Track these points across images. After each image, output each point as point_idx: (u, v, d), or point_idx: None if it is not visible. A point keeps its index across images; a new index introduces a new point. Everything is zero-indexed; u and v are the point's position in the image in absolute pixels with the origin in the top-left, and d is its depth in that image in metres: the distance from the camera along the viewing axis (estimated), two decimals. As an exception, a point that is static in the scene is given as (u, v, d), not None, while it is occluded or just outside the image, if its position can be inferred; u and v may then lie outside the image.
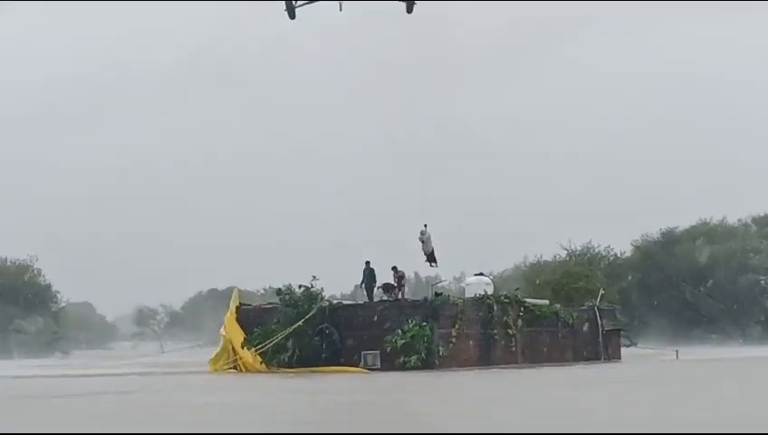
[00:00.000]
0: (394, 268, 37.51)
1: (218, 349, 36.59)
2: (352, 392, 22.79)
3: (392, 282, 37.12)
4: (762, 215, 78.86)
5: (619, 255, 76.82)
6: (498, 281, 47.18)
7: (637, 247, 78.27)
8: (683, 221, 79.58)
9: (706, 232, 76.70)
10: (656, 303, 75.09)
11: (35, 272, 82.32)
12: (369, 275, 37.12)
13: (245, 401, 20.15)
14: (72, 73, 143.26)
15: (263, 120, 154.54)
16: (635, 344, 46.12)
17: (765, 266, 77.02)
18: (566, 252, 66.35)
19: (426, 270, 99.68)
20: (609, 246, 74.15)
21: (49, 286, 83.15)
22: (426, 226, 38.78)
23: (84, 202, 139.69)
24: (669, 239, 77.35)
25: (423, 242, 38.76)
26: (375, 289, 37.15)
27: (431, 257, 39.13)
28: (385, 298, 36.46)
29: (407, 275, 39.21)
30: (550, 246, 73.54)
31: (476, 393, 21.96)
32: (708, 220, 78.52)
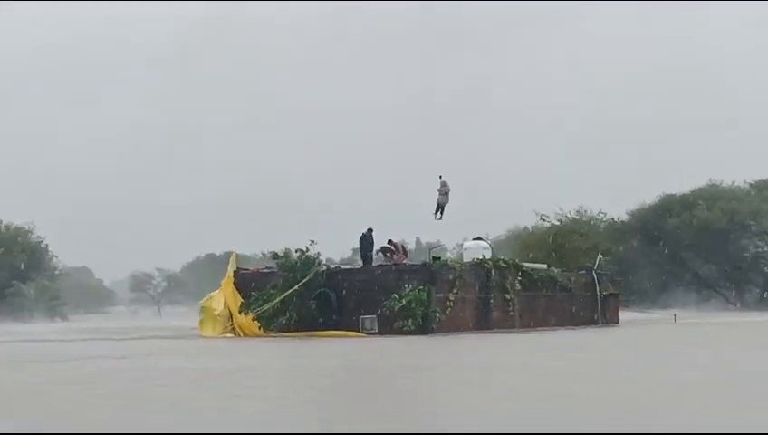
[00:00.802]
0: (389, 242, 37.32)
1: (202, 316, 36.52)
2: (351, 356, 22.77)
3: (394, 250, 36.92)
4: (761, 179, 78.73)
5: (615, 219, 76.84)
6: (493, 245, 47.03)
7: (637, 211, 78.22)
8: (681, 187, 79.60)
9: (705, 196, 76.61)
10: (653, 267, 75.16)
11: (34, 237, 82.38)
12: (367, 241, 36.74)
13: (255, 363, 20.12)
14: (71, 43, 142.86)
15: (264, 82, 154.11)
16: (632, 308, 46.17)
17: (765, 231, 77.02)
18: (558, 219, 66.25)
19: (426, 235, 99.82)
20: (601, 211, 74.14)
21: (46, 250, 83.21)
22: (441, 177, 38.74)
23: (82, 168, 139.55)
24: (666, 204, 77.29)
25: (443, 194, 38.55)
26: (375, 253, 36.90)
27: (441, 210, 38.90)
28: (384, 262, 36.37)
29: (405, 244, 38.99)
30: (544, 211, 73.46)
31: (483, 359, 21.92)
32: (707, 184, 78.44)
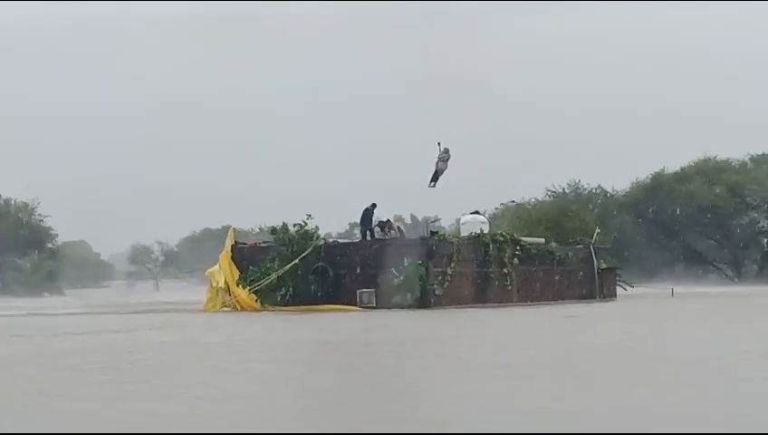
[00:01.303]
0: (388, 221, 37.24)
1: (209, 288, 36.58)
2: (340, 331, 22.77)
3: (391, 227, 36.82)
4: (759, 154, 78.66)
5: (611, 193, 76.80)
6: (491, 219, 47.06)
7: (634, 185, 78.16)
8: (679, 161, 79.49)
9: (703, 170, 76.51)
10: (651, 242, 75.21)
11: (33, 210, 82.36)
12: (368, 217, 36.58)
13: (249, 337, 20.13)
14: (71, 15, 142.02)
15: (263, 56, 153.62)
16: (631, 286, 46.18)
17: (763, 205, 77.04)
18: (554, 193, 66.21)
19: (420, 211, 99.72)
20: (599, 186, 74.06)
21: (43, 223, 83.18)
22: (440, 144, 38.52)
23: (81, 142, 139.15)
24: (664, 179, 77.19)
25: (443, 161, 38.30)
26: (376, 229, 36.75)
27: (437, 178, 38.66)
28: (381, 237, 36.31)
29: (403, 220, 38.82)
30: (537, 190, 73.27)
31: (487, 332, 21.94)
32: (704, 158, 78.32)
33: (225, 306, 35.06)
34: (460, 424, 8.40)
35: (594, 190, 75.61)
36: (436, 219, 54.95)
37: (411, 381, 11.93)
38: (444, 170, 38.54)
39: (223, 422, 8.55)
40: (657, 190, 75.95)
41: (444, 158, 38.46)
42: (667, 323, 25.06)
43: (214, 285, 35.99)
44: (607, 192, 76.53)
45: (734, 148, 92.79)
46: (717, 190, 74.08)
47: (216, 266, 36.84)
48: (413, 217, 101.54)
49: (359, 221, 38.11)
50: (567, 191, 73.16)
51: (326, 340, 19.83)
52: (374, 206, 36.80)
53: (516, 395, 10.36)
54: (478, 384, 11.36)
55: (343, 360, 15.26)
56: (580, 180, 72.69)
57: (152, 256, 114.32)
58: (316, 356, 15.53)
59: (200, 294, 37.93)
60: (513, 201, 63.60)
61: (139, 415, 9.12)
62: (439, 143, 38.78)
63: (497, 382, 11.58)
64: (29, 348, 18.22)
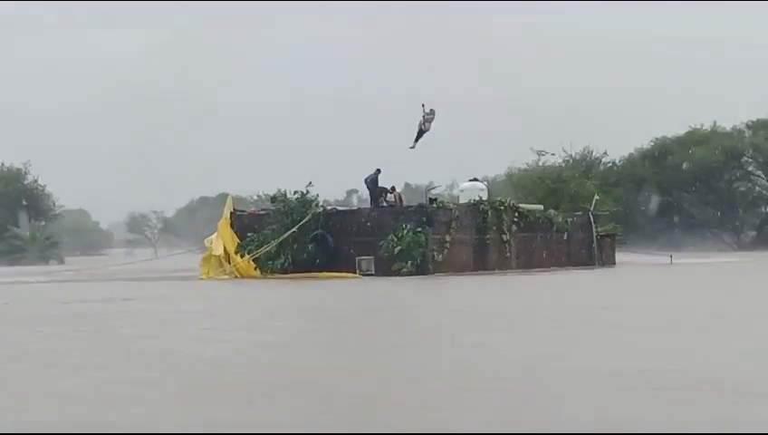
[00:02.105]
0: (392, 189, 37.15)
1: (206, 254, 36.60)
2: (330, 298, 22.77)
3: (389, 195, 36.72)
4: (755, 120, 78.46)
5: (616, 161, 76.72)
6: (490, 186, 46.89)
7: (633, 153, 78.07)
8: (677, 128, 79.35)
9: (701, 137, 76.40)
10: (650, 209, 75.16)
11: (31, 178, 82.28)
12: (373, 183, 36.43)
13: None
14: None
15: (261, 21, 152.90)
16: (629, 244, 46.04)
17: (760, 172, 76.99)
18: (565, 154, 65.89)
19: (416, 178, 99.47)
20: (605, 152, 73.88)
21: (43, 191, 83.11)
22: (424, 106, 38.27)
23: (79, 110, 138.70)
24: (663, 146, 77.11)
25: (427, 121, 38.06)
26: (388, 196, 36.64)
27: (419, 138, 38.38)
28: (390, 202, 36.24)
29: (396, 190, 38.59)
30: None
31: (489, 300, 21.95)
32: (702, 126, 78.17)
33: (224, 274, 35.06)
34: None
35: (600, 157, 75.42)
36: (434, 186, 54.97)
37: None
38: (427, 131, 38.17)
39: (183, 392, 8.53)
40: (659, 157, 75.82)
41: (429, 118, 38.13)
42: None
43: (211, 252, 35.98)
44: (610, 160, 76.47)
45: (730, 115, 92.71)
46: (716, 156, 73.99)
47: (215, 234, 36.83)
48: (407, 185, 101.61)
49: (361, 187, 37.77)
50: (576, 156, 72.98)
51: (312, 307, 19.87)
52: (378, 171, 36.64)
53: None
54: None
55: (318, 326, 15.24)
56: (590, 145, 72.55)
57: (150, 223, 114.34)
58: (294, 325, 15.31)
59: (198, 261, 37.79)
60: (523, 168, 63.18)
61: (90, 383, 8.98)
62: (423, 105, 38.43)
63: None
64: (15, 311, 18.16)
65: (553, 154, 63.37)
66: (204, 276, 34.93)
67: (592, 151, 72.03)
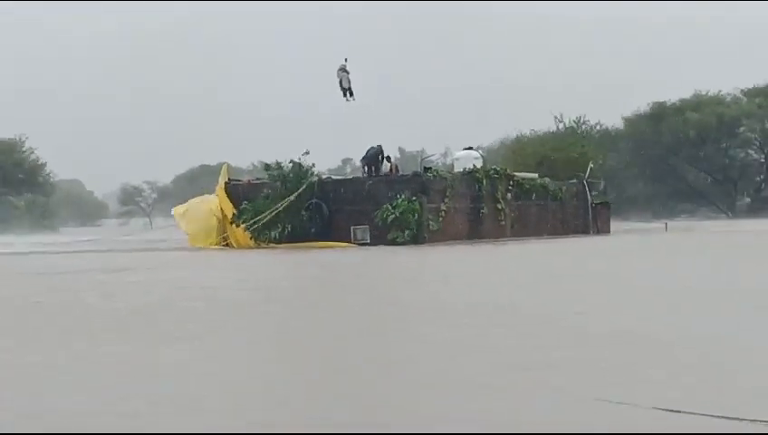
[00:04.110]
0: (388, 158, 37.19)
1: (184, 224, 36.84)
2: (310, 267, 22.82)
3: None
4: (752, 87, 78.47)
5: (609, 128, 76.74)
6: (485, 155, 46.97)
7: (627, 120, 78.05)
8: (673, 94, 79.37)
9: (697, 104, 76.39)
10: (645, 176, 75.30)
11: (26, 150, 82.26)
12: (375, 157, 36.40)
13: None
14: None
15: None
16: (624, 212, 46.21)
17: (755, 139, 77.03)
18: (560, 123, 65.91)
19: (410, 145, 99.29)
20: (598, 122, 73.93)
21: (37, 162, 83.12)
22: (346, 60, 38.46)
23: (74, 79, 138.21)
24: (659, 112, 77.09)
25: (342, 71, 38.24)
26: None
27: (349, 92, 38.64)
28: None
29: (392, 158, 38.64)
30: (538, 122, 73.23)
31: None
32: (699, 92, 78.16)
33: (216, 243, 35.09)
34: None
35: (594, 126, 75.46)
36: (428, 154, 54.99)
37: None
38: (348, 82, 38.38)
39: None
40: (653, 124, 75.81)
41: (342, 67, 38.46)
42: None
43: (181, 220, 36.41)
44: (606, 127, 76.47)
45: (724, 81, 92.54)
46: (712, 123, 74.03)
47: (196, 199, 37.29)
48: (401, 151, 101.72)
49: (355, 154, 37.88)
50: (572, 124, 72.99)
51: (287, 276, 19.91)
52: (380, 147, 36.63)
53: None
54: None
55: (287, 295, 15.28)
56: (586, 115, 72.58)
57: (144, 194, 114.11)
58: (258, 296, 15.18)
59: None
60: (518, 136, 63.21)
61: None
62: (346, 59, 38.61)
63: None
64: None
65: (561, 121, 63.66)
66: (197, 245, 34.89)
67: (587, 120, 72.06)
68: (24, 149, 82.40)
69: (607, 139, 73.51)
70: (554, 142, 55.99)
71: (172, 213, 38.99)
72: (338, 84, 38.46)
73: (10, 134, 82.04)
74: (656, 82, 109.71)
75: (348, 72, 38.49)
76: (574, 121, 65.67)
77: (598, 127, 73.16)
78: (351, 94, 38.66)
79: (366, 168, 36.56)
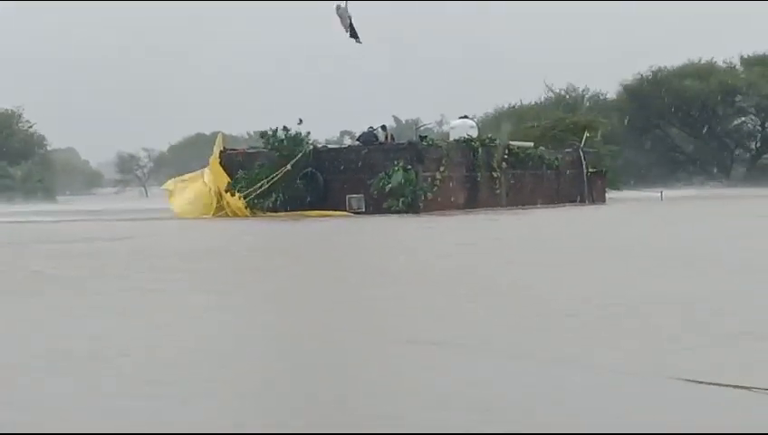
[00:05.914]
0: (383, 127, 37.11)
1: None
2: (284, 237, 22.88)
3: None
4: (749, 55, 78.16)
5: (605, 96, 76.60)
6: (479, 124, 46.84)
7: (624, 87, 77.73)
8: (671, 61, 79.04)
9: (694, 71, 76.09)
10: (641, 144, 75.24)
11: (24, 122, 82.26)
12: (369, 139, 36.32)
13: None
14: None
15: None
16: (619, 180, 46.15)
17: (752, 106, 76.93)
18: (551, 94, 65.78)
19: (405, 114, 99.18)
20: (588, 88, 73.62)
21: (34, 131, 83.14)
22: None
23: (69, 48, 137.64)
24: (657, 78, 76.72)
25: (341, 17, 37.84)
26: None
27: (354, 33, 38.19)
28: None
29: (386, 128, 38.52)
30: (533, 93, 73.01)
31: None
32: (697, 60, 77.84)
33: (208, 213, 35.09)
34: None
35: (586, 93, 75.30)
36: (423, 124, 54.84)
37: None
38: (348, 23, 37.87)
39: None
40: (648, 91, 75.55)
41: (341, 14, 37.96)
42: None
43: (172, 192, 36.48)
44: (599, 95, 76.31)
45: (720, 50, 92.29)
46: (709, 90, 73.82)
47: (192, 174, 37.31)
48: (396, 119, 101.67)
49: (355, 127, 37.90)
50: (564, 93, 72.81)
51: (260, 246, 19.97)
52: (383, 127, 36.49)
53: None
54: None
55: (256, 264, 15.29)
56: (580, 85, 72.43)
57: (140, 163, 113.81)
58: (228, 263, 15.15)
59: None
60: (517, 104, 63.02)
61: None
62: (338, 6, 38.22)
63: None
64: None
65: (560, 90, 63.46)
66: (188, 215, 34.84)
67: (577, 88, 71.91)
68: (20, 121, 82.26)
69: (602, 106, 73.30)
70: (556, 119, 55.61)
71: (164, 187, 39.04)
72: (340, 24, 37.54)
73: (7, 105, 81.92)
74: (653, 50, 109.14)
75: (349, 15, 37.69)
76: (563, 90, 65.45)
77: (587, 94, 72.85)
78: (357, 36, 37.97)
79: (364, 142, 36.54)
